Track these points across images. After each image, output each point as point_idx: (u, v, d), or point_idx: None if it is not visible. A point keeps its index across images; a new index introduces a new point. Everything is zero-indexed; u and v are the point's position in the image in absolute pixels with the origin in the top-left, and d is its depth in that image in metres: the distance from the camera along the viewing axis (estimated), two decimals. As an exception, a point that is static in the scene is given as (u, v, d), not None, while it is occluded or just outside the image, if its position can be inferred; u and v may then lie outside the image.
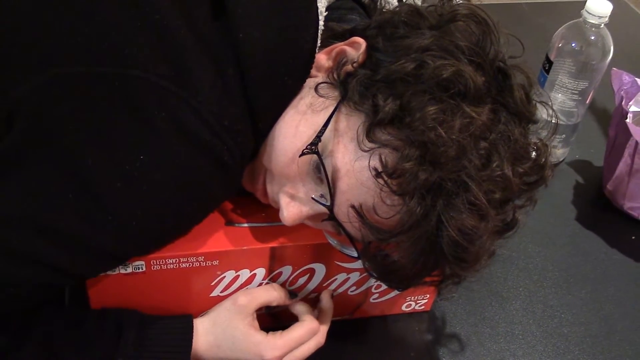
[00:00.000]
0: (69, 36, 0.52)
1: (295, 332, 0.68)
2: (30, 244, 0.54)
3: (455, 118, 0.55)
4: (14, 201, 0.53)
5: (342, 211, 0.60)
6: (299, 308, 0.72)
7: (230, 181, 0.62)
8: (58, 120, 0.53)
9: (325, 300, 0.73)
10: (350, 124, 0.59)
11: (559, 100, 0.97)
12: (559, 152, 1.04)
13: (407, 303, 0.79)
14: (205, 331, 0.66)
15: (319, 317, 0.72)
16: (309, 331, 0.69)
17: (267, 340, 0.67)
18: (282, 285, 0.71)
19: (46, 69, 0.52)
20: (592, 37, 0.93)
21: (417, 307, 0.80)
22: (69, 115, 0.53)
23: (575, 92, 0.96)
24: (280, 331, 0.68)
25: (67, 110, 0.53)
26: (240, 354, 0.66)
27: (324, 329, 0.71)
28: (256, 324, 0.68)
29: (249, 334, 0.67)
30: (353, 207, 0.58)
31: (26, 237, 0.54)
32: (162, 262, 0.64)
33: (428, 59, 0.56)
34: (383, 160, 0.55)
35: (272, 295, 0.69)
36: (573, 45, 0.94)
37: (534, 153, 0.62)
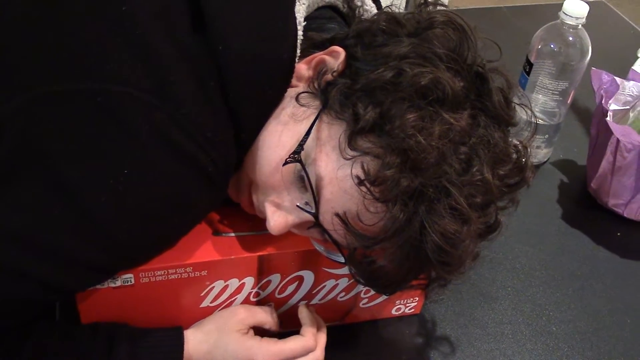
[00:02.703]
0: (51, 54, 0.53)
1: (291, 344, 0.69)
2: (18, 260, 0.54)
3: (434, 125, 0.56)
4: (1, 217, 0.54)
5: (327, 219, 0.60)
6: (305, 317, 0.72)
7: (215, 192, 0.63)
8: (43, 137, 0.53)
9: (308, 315, 0.72)
10: (331, 132, 0.59)
11: (540, 101, 0.99)
12: (542, 153, 1.06)
13: (397, 307, 0.80)
14: (197, 341, 0.67)
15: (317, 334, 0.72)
16: (304, 348, 0.69)
17: (260, 345, 0.68)
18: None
19: (29, 87, 0.53)
20: (570, 38, 0.94)
21: (406, 311, 0.81)
22: (54, 131, 0.53)
23: (556, 92, 0.97)
24: (275, 338, 0.69)
25: (51, 127, 0.53)
26: (232, 359, 0.67)
27: (322, 345, 0.72)
28: (251, 332, 0.69)
29: (243, 339, 0.67)
30: (337, 215, 0.59)
31: (13, 253, 0.54)
32: (151, 274, 0.64)
33: (406, 67, 0.57)
34: (365, 168, 0.56)
35: (269, 319, 0.71)
36: (552, 46, 0.95)
37: (514, 155, 0.63)
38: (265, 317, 0.71)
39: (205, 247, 0.67)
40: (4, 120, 0.53)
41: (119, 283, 0.64)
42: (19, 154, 0.54)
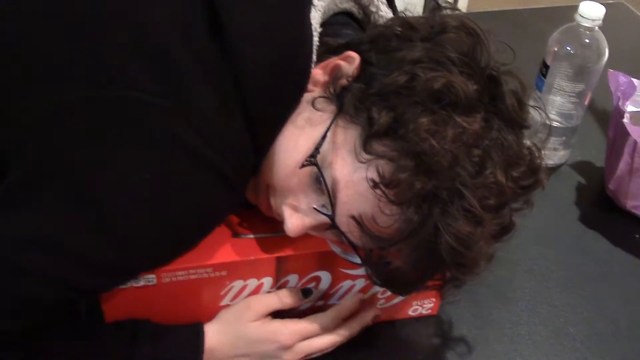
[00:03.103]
0: (72, 63, 0.55)
1: (313, 322, 0.71)
2: (45, 263, 0.56)
3: (447, 128, 0.57)
4: (27, 223, 0.56)
5: (343, 221, 0.62)
6: (343, 302, 0.73)
7: (234, 196, 0.64)
8: (65, 144, 0.55)
9: (346, 301, 0.74)
10: (347, 136, 0.61)
11: (557, 103, 0.99)
12: (560, 155, 1.06)
13: (414, 308, 0.81)
14: (216, 332, 0.69)
15: (346, 320, 0.73)
16: (325, 326, 0.71)
17: (284, 326, 0.70)
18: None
19: (49, 96, 0.55)
20: (587, 40, 0.94)
21: (423, 312, 0.82)
22: (76, 139, 0.55)
23: (573, 94, 0.97)
24: (296, 319, 0.71)
25: (73, 134, 0.55)
26: (257, 345, 0.69)
27: (344, 331, 0.73)
28: (269, 318, 0.71)
29: (263, 326, 0.69)
30: (353, 217, 0.60)
31: (41, 257, 0.56)
32: (173, 274, 0.66)
33: (419, 71, 0.58)
34: (380, 171, 0.58)
35: (283, 302, 0.71)
36: (568, 48, 0.95)
37: (528, 157, 0.63)
38: (277, 302, 0.71)
39: (225, 249, 0.69)
40: (28, 128, 0.56)
41: (141, 283, 0.66)
42: (42, 161, 0.56)
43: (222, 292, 0.70)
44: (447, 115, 0.57)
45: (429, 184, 0.56)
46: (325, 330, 0.72)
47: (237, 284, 0.70)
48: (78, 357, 0.63)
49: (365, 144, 0.59)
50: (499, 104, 0.61)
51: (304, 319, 0.71)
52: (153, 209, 0.57)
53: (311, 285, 0.73)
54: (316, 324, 0.71)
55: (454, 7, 0.68)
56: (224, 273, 0.68)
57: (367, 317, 0.75)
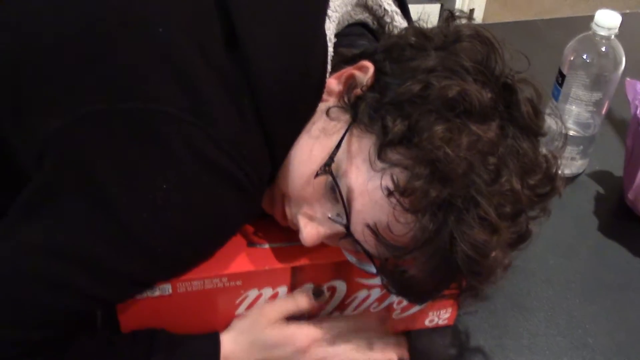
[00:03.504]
0: (92, 76, 0.56)
1: (329, 326, 0.71)
2: (63, 274, 0.57)
3: (462, 136, 0.57)
4: (47, 233, 0.57)
5: (358, 230, 0.62)
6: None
7: (250, 206, 0.65)
8: (85, 156, 0.56)
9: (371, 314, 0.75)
10: (361, 145, 0.61)
11: (574, 113, 0.98)
12: (578, 164, 1.05)
13: (430, 318, 0.80)
14: (231, 341, 0.69)
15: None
16: (341, 332, 0.72)
17: (300, 329, 0.70)
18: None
19: (71, 108, 0.56)
20: (603, 49, 0.94)
21: (440, 322, 0.81)
22: (95, 150, 0.56)
23: (590, 103, 0.97)
24: (313, 321, 0.71)
25: (92, 146, 0.56)
26: (273, 350, 0.69)
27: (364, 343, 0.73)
28: (285, 322, 0.71)
29: (279, 330, 0.69)
30: (368, 226, 0.60)
31: (59, 267, 0.57)
32: (188, 284, 0.66)
33: (433, 80, 0.58)
34: (394, 179, 0.58)
35: (298, 305, 0.71)
36: (585, 57, 0.95)
37: (544, 165, 0.63)
38: (293, 306, 0.71)
39: (240, 258, 0.69)
40: (47, 140, 0.57)
41: (157, 293, 0.66)
42: (62, 172, 0.57)
43: (237, 302, 0.70)
44: (462, 123, 0.57)
45: (444, 192, 0.56)
46: (341, 336, 0.71)
47: (252, 293, 0.70)
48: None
49: (380, 152, 0.59)
50: (514, 111, 0.61)
51: (320, 322, 0.71)
52: (171, 219, 0.58)
53: (328, 294, 0.73)
54: (333, 329, 0.71)
55: (469, 17, 0.68)
56: (239, 283, 0.69)
57: (390, 338, 0.75)
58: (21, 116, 0.59)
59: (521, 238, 0.62)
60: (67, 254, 0.57)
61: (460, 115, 0.57)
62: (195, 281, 0.67)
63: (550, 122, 0.65)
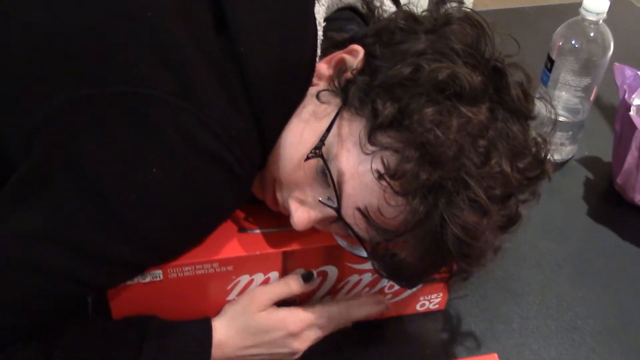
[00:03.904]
0: (81, 60, 0.55)
1: (320, 311, 0.71)
2: (53, 258, 0.56)
3: (452, 118, 0.57)
4: (36, 219, 0.56)
5: (349, 213, 0.62)
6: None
7: (240, 190, 0.65)
8: (73, 141, 0.55)
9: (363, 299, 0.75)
10: (352, 128, 0.61)
11: (563, 98, 0.99)
12: (567, 150, 1.05)
13: (421, 302, 0.81)
14: (223, 326, 0.69)
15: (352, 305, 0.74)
16: (332, 317, 0.72)
17: (291, 313, 0.70)
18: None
19: (58, 93, 0.55)
20: (592, 34, 0.94)
21: (431, 307, 0.82)
22: (85, 134, 0.55)
23: (579, 89, 0.97)
24: (304, 306, 0.71)
25: (81, 131, 0.55)
26: (265, 335, 0.69)
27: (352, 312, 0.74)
28: (275, 307, 0.71)
29: (271, 315, 0.69)
30: (359, 209, 0.60)
31: (49, 252, 0.56)
32: (179, 269, 0.66)
33: (424, 63, 0.58)
34: (385, 162, 0.58)
35: (290, 289, 0.71)
36: (573, 43, 0.95)
37: (534, 148, 0.63)
38: (284, 291, 0.71)
39: (231, 244, 0.69)
40: (34, 126, 0.56)
41: (148, 279, 0.66)
42: (51, 157, 0.56)
43: (229, 287, 0.70)
44: (452, 106, 0.57)
45: (434, 175, 0.56)
46: (332, 320, 0.72)
47: (244, 278, 0.70)
48: (88, 354, 0.63)
49: (370, 135, 0.59)
50: (504, 94, 0.61)
51: (311, 306, 0.71)
52: (161, 203, 0.57)
53: (318, 279, 0.73)
54: (324, 313, 0.71)
55: (459, 0, 0.68)
56: (230, 268, 0.68)
57: (375, 308, 0.75)
58: (7, 102, 0.59)
59: (511, 221, 0.63)
60: (57, 238, 0.56)
61: (451, 97, 0.57)
62: (187, 267, 0.67)
63: (540, 107, 0.65)
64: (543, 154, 0.63)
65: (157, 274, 0.66)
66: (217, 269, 0.68)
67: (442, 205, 0.57)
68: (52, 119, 0.56)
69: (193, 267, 0.67)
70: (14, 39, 0.57)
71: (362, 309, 0.75)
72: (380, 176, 0.57)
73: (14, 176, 0.58)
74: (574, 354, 0.79)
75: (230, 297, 0.71)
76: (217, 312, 0.71)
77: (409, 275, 0.64)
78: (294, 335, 0.69)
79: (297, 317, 0.70)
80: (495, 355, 0.69)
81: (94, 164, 0.55)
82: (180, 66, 0.56)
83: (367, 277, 0.74)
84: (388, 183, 0.57)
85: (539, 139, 0.64)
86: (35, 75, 0.57)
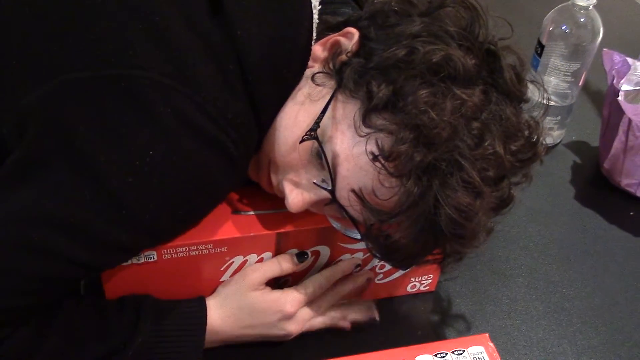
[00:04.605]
0: (76, 42, 0.55)
1: (310, 285, 0.71)
2: (50, 241, 0.56)
3: (446, 100, 0.57)
4: (33, 201, 0.56)
5: (344, 195, 0.62)
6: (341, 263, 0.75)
7: (236, 172, 0.65)
8: (68, 124, 0.55)
9: (345, 264, 0.75)
10: (346, 111, 0.61)
11: (552, 83, 0.99)
12: (555, 134, 1.06)
13: (412, 284, 0.82)
14: (218, 305, 0.69)
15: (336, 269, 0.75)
16: (321, 286, 0.72)
17: (286, 295, 0.70)
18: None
19: (53, 75, 0.55)
20: (582, 20, 0.95)
21: (421, 288, 0.83)
22: (79, 117, 0.55)
23: (568, 74, 0.98)
24: (294, 286, 0.72)
25: (76, 113, 0.55)
26: (260, 316, 0.69)
27: (339, 288, 0.74)
28: (268, 288, 0.71)
29: (265, 295, 0.70)
30: (353, 191, 0.61)
31: (46, 234, 0.56)
32: (173, 250, 0.67)
33: (418, 45, 0.59)
34: (379, 144, 0.58)
35: (282, 267, 0.71)
36: (563, 28, 0.96)
37: (526, 131, 0.64)
38: (276, 269, 0.71)
39: (225, 225, 0.69)
40: (29, 108, 0.56)
41: (142, 260, 0.66)
42: (47, 140, 0.56)
43: (222, 268, 0.71)
44: (446, 88, 0.58)
45: (428, 156, 0.56)
46: (322, 288, 0.73)
47: (237, 259, 0.70)
48: (83, 334, 0.63)
49: (365, 117, 0.59)
50: (497, 77, 0.61)
51: (301, 284, 0.71)
52: (157, 186, 0.57)
53: (310, 259, 0.73)
54: (313, 286, 0.72)
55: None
56: (224, 249, 0.69)
57: (360, 277, 0.76)
58: (1, 85, 0.58)
59: (504, 202, 0.63)
60: (52, 220, 0.56)
61: (445, 79, 0.58)
62: (180, 248, 0.67)
63: (531, 93, 0.66)
64: (535, 137, 0.64)
65: (151, 255, 0.66)
66: (211, 250, 0.68)
67: (436, 186, 0.57)
68: (45, 102, 0.55)
69: (187, 248, 0.67)
70: (8, 23, 0.57)
71: (347, 271, 0.75)
72: (374, 158, 0.58)
73: (9, 159, 0.57)
74: (561, 334, 0.81)
75: (223, 278, 0.72)
76: (211, 293, 0.71)
77: (403, 257, 0.64)
78: (288, 317, 0.70)
79: (291, 297, 0.70)
80: (487, 335, 0.70)
81: (89, 147, 0.55)
82: (175, 49, 0.56)
83: (359, 257, 0.75)
84: (382, 165, 0.57)
85: (531, 122, 0.64)
86: (28, 59, 0.57)
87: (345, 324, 0.75)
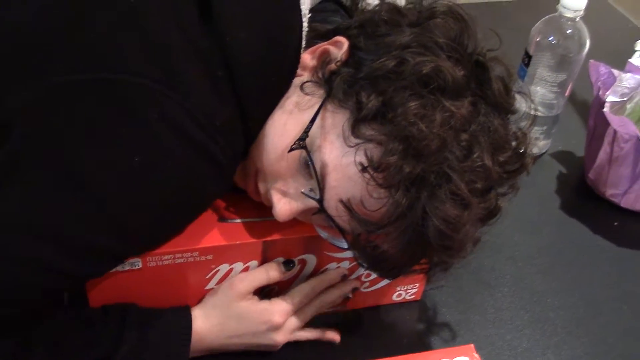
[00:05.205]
0: (61, 46, 0.54)
1: (296, 294, 0.71)
2: (34, 250, 0.55)
3: (435, 112, 0.57)
4: (16, 208, 0.55)
5: (332, 205, 0.62)
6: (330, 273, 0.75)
7: (223, 179, 0.64)
8: (54, 128, 0.54)
9: (332, 273, 0.75)
10: (335, 120, 0.61)
11: (539, 93, 1.00)
12: (541, 144, 1.07)
13: (398, 293, 0.82)
14: (204, 315, 0.69)
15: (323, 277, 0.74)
16: (308, 294, 0.72)
17: (273, 305, 0.70)
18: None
19: (40, 79, 0.54)
20: (569, 31, 0.96)
21: (407, 297, 0.83)
22: (67, 121, 0.54)
23: (555, 84, 0.98)
24: (281, 296, 0.71)
25: (62, 118, 0.54)
26: (248, 325, 0.69)
27: (325, 297, 0.74)
28: (256, 297, 0.71)
29: (252, 306, 0.69)
30: (342, 201, 0.60)
31: (29, 243, 0.55)
32: (158, 258, 0.66)
33: (408, 56, 0.59)
34: (368, 155, 0.58)
35: (269, 276, 0.71)
36: (550, 39, 0.96)
37: (514, 142, 0.64)
38: (264, 278, 0.70)
39: (211, 233, 0.68)
40: (13, 111, 0.55)
41: (127, 267, 0.65)
42: (30, 145, 0.55)
43: (208, 276, 0.70)
44: (436, 100, 0.58)
45: (417, 168, 0.56)
46: (309, 298, 0.72)
47: (223, 267, 0.70)
48: (68, 344, 0.62)
49: (354, 128, 0.59)
50: (486, 89, 0.62)
51: (288, 294, 0.71)
52: (143, 191, 0.57)
53: (297, 267, 0.73)
54: (300, 295, 0.72)
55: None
56: (210, 257, 0.68)
57: (346, 286, 0.76)
58: None
59: (491, 213, 0.64)
60: (35, 227, 0.55)
61: (434, 91, 0.58)
62: (166, 255, 0.66)
63: (518, 101, 0.66)
64: (523, 148, 0.64)
65: (136, 262, 0.65)
66: (196, 258, 0.68)
67: (424, 198, 0.57)
68: (30, 105, 0.55)
69: (172, 256, 0.66)
70: None
71: (334, 281, 0.75)
72: (363, 169, 0.58)
73: None
74: (546, 344, 0.81)
75: (209, 286, 0.71)
76: (196, 301, 0.71)
77: (390, 267, 0.64)
78: (276, 327, 0.70)
79: (278, 307, 0.70)
80: (472, 345, 0.70)
81: (75, 150, 0.55)
82: (165, 54, 0.56)
83: (345, 265, 0.75)
84: (371, 175, 0.57)
85: (519, 134, 0.65)
86: (14, 62, 0.56)
87: (334, 336, 0.75)
